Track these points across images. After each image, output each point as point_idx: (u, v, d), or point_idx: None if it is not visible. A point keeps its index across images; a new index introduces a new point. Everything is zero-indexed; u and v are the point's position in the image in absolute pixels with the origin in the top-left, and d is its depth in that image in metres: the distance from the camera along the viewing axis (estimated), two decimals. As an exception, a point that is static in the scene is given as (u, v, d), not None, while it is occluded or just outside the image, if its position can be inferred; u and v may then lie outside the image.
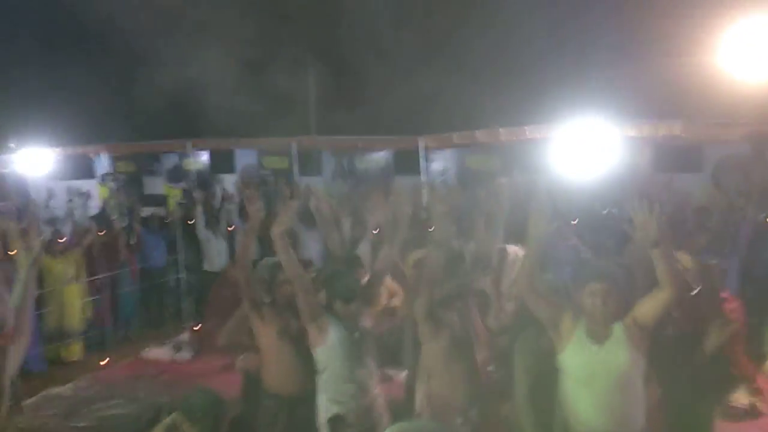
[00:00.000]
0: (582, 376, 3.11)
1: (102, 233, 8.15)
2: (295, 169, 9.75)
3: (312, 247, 7.60)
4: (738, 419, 4.93)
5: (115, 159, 11.95)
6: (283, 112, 12.13)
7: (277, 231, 3.59)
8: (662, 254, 2.99)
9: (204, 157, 11.38)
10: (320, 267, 4.65)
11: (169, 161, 11.97)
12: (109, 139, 11.56)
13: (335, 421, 3.38)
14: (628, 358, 3.06)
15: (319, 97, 14.36)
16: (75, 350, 7.55)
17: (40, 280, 6.73)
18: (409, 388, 4.21)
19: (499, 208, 4.71)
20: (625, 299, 3.14)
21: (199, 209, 8.65)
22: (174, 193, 11.12)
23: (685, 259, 4.77)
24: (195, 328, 8.11)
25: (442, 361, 3.63)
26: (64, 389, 6.51)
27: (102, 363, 7.32)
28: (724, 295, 4.90)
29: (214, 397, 3.41)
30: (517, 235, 4.69)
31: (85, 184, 10.50)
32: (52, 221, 8.94)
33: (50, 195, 9.82)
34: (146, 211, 9.41)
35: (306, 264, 4.30)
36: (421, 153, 8.97)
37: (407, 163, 9.73)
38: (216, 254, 8.60)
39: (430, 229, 5.33)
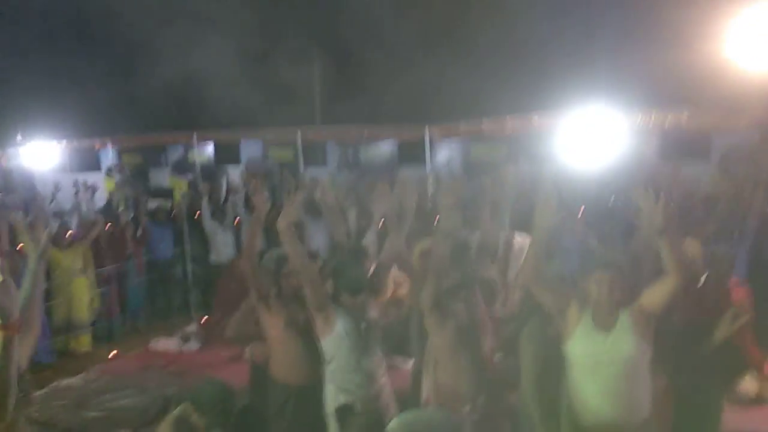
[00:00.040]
0: (588, 364, 3.12)
1: (109, 226, 8.18)
2: (300, 159, 9.75)
3: (318, 238, 7.61)
4: (746, 406, 4.92)
5: (121, 151, 11.99)
6: (289, 103, 12.12)
7: (283, 223, 3.59)
8: (668, 242, 2.97)
9: (209, 148, 11.41)
10: (326, 258, 4.64)
11: (175, 153, 12.00)
12: (115, 131, 11.59)
13: (343, 410, 3.39)
14: (634, 346, 3.06)
15: (324, 88, 14.35)
16: (84, 342, 7.60)
17: (48, 273, 6.77)
18: (416, 378, 4.22)
19: (504, 196, 4.70)
20: (631, 288, 3.13)
21: (204, 201, 8.66)
22: (180, 185, 11.15)
23: (692, 247, 4.76)
24: (202, 320, 8.14)
25: (449, 351, 3.63)
26: (73, 381, 6.55)
27: (110, 354, 7.36)
28: (731, 282, 4.89)
29: (223, 387, 3.42)
30: (524, 224, 4.68)
31: (91, 177, 10.54)
32: (59, 214, 8.99)
33: (57, 188, 9.85)
34: (152, 203, 9.44)
35: (312, 255, 4.30)
36: (427, 143, 8.94)
37: (412, 153, 9.72)
38: (222, 246, 8.61)
39: (435, 219, 5.34)
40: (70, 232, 7.65)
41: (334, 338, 3.66)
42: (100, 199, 10.12)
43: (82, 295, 7.54)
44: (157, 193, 11.14)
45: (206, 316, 8.14)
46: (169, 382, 6.28)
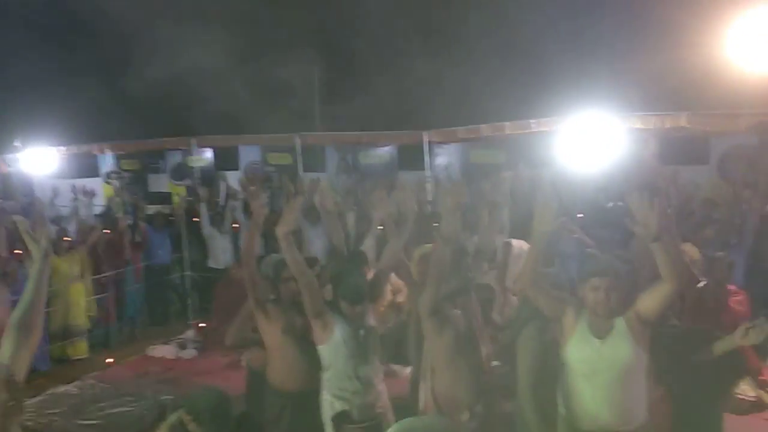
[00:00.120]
0: (585, 370, 3.11)
1: (107, 231, 8.16)
2: (299, 165, 9.73)
3: (316, 243, 7.60)
4: (745, 412, 4.90)
5: (119, 157, 11.95)
6: (287, 108, 12.12)
7: (282, 231, 3.57)
8: (663, 248, 2.96)
9: (208, 154, 11.37)
10: (325, 263, 4.63)
11: (173, 159, 11.97)
12: (114, 137, 11.57)
13: (340, 417, 3.37)
14: (631, 352, 3.05)
15: (323, 93, 14.35)
16: (80, 348, 7.57)
17: (46, 279, 6.73)
18: (414, 384, 4.20)
19: (502, 200, 4.69)
20: (628, 293, 3.12)
21: (203, 206, 8.65)
22: (178, 191, 11.13)
23: (691, 251, 4.75)
24: (200, 326, 8.11)
25: (447, 357, 3.61)
26: (69, 387, 6.52)
27: (107, 361, 7.33)
28: (730, 287, 4.88)
29: (220, 395, 3.40)
30: (522, 230, 4.67)
31: (89, 183, 10.50)
32: (57, 220, 8.96)
33: (55, 193, 9.83)
34: (151, 209, 9.41)
35: (312, 262, 4.29)
36: (426, 148, 8.93)
37: (411, 158, 9.69)
38: (221, 251, 8.61)
39: (434, 224, 5.33)
40: (67, 237, 7.63)
41: (331, 345, 3.65)
42: (99, 204, 10.09)
43: (80, 302, 7.52)
44: (156, 198, 11.11)
45: (204, 323, 8.12)
46: (166, 389, 6.25)
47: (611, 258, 3.27)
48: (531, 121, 7.92)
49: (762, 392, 5.15)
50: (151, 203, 10.23)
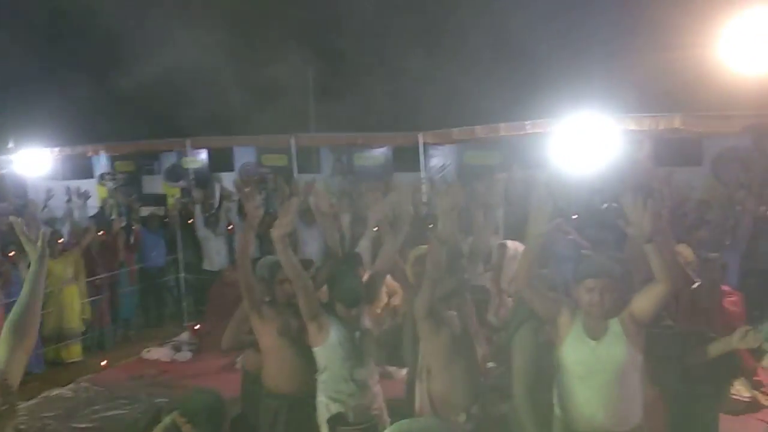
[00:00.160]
0: (580, 371, 3.11)
1: (101, 233, 8.13)
2: (294, 166, 9.73)
3: (311, 244, 7.59)
4: (739, 412, 4.91)
5: (113, 158, 11.92)
6: (282, 109, 12.09)
7: (277, 234, 3.56)
8: (656, 249, 2.97)
9: (202, 155, 11.35)
10: (319, 264, 4.62)
11: (168, 160, 11.94)
12: (108, 138, 11.54)
13: (335, 419, 3.37)
14: (626, 352, 3.06)
15: (318, 94, 14.34)
16: (74, 351, 7.53)
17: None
18: (410, 386, 4.20)
19: (496, 201, 4.70)
20: (623, 295, 3.12)
21: (198, 208, 8.63)
22: (173, 192, 11.11)
23: (686, 252, 4.76)
24: (195, 328, 8.09)
25: (443, 359, 3.61)
26: (64, 390, 6.48)
27: (102, 364, 7.30)
28: (724, 288, 4.90)
29: (213, 396, 3.39)
30: (517, 231, 4.67)
31: (83, 184, 10.47)
32: (51, 221, 8.92)
33: (49, 195, 9.78)
34: (145, 211, 9.39)
35: (306, 264, 4.28)
36: (421, 149, 8.95)
37: (406, 159, 9.71)
38: (215, 253, 8.59)
39: (429, 226, 5.33)
40: (61, 239, 7.60)
41: (327, 347, 3.64)
42: (93, 206, 10.06)
43: (73, 304, 7.49)
44: (150, 200, 11.09)
45: (199, 325, 8.10)
46: (161, 392, 6.22)
47: (606, 259, 3.28)
48: (525, 122, 7.94)
49: (757, 393, 5.17)
50: (146, 205, 10.20)
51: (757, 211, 6.53)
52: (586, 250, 5.51)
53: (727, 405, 4.53)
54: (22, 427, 5.38)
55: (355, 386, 3.63)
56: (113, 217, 9.00)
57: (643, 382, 3.16)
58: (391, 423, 2.60)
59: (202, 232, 8.58)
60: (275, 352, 3.91)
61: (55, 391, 6.44)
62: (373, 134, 10.01)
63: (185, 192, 10.18)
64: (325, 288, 3.98)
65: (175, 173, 11.74)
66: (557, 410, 3.25)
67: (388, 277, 4.64)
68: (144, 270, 8.58)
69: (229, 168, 11.27)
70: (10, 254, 6.77)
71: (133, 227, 8.52)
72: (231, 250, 8.39)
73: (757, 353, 4.88)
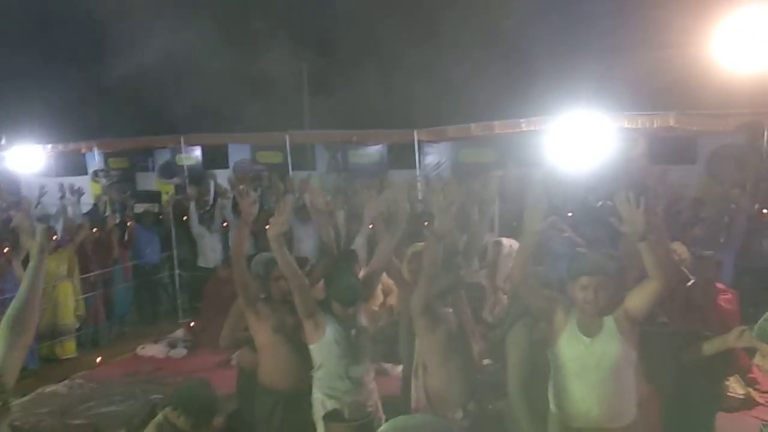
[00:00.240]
0: (575, 368, 3.12)
1: (95, 230, 8.10)
2: (289, 163, 9.72)
3: (306, 241, 7.58)
4: (734, 409, 4.94)
5: (107, 155, 11.90)
6: (276, 104, 12.09)
7: (273, 233, 3.56)
8: (649, 247, 2.98)
9: (197, 152, 11.33)
10: (315, 262, 4.62)
11: (162, 157, 11.91)
12: (100, 134, 11.50)
13: (331, 416, 3.36)
14: (620, 349, 3.07)
15: (313, 92, 14.33)
16: (69, 348, 7.51)
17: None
18: (406, 382, 4.20)
19: (490, 199, 4.70)
20: (617, 292, 3.13)
21: (192, 205, 8.61)
22: (167, 189, 11.08)
23: (680, 250, 4.78)
24: (190, 325, 8.08)
25: (439, 355, 3.62)
26: (58, 387, 6.47)
27: (96, 360, 7.28)
28: (719, 285, 4.92)
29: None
30: (512, 228, 4.68)
31: (77, 181, 10.43)
32: (44, 218, 8.88)
33: (42, 192, 9.75)
34: (139, 208, 9.36)
35: (302, 262, 4.27)
36: (416, 146, 8.95)
37: (401, 156, 9.72)
38: (210, 250, 8.57)
39: (425, 223, 5.33)
40: (55, 236, 7.56)
41: (323, 345, 3.64)
42: (86, 203, 10.02)
43: (67, 301, 7.45)
44: (144, 197, 11.06)
45: (193, 322, 8.09)
46: (156, 389, 6.21)
47: (600, 257, 3.29)
48: (521, 120, 7.96)
49: (751, 390, 5.20)
50: (140, 202, 10.17)
51: (752, 209, 6.56)
52: (581, 248, 5.53)
53: (722, 402, 4.56)
54: (16, 423, 5.36)
55: (351, 383, 3.64)
56: (107, 213, 8.96)
57: (638, 379, 3.18)
58: (387, 420, 2.60)
59: (197, 229, 8.56)
60: (271, 349, 3.90)
61: (50, 388, 6.42)
62: (368, 131, 10.01)
63: (179, 189, 10.16)
64: (321, 285, 3.98)
65: (170, 170, 11.71)
66: (552, 406, 3.26)
67: (384, 275, 4.64)
68: (138, 267, 8.55)
69: (224, 165, 11.26)
70: (5, 251, 6.72)
71: (128, 224, 8.48)
72: (226, 247, 8.38)
73: (751, 351, 4.89)
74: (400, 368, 4.83)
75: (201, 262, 8.62)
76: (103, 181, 11.37)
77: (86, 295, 7.75)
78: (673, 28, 8.75)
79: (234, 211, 8.27)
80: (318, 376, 3.68)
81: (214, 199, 8.96)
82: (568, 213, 6.83)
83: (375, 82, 11.42)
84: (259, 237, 7.48)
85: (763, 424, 2.65)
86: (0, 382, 2.20)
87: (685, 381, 3.45)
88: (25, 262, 6.07)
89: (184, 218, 8.74)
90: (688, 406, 3.50)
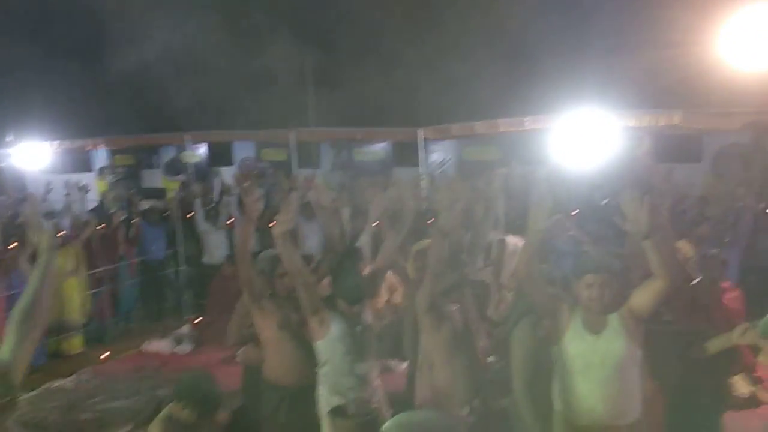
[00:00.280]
0: (579, 366, 3.13)
1: (101, 227, 8.14)
2: (294, 161, 9.74)
3: (311, 238, 7.61)
4: (738, 408, 4.93)
5: (113, 152, 11.94)
6: (281, 104, 12.10)
7: (278, 231, 3.58)
8: (654, 246, 2.98)
9: (202, 149, 11.36)
10: (320, 258, 4.63)
11: (167, 154, 11.95)
12: (107, 132, 11.54)
13: (335, 412, 3.38)
14: (625, 347, 3.07)
15: (317, 89, 14.33)
16: (76, 343, 7.55)
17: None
18: (410, 379, 4.22)
19: (495, 197, 4.70)
20: (622, 290, 3.14)
21: (197, 202, 8.65)
22: (172, 187, 11.12)
23: (686, 248, 4.78)
24: (195, 321, 8.12)
25: (445, 352, 3.63)
26: (65, 382, 6.51)
27: (103, 356, 7.32)
28: (725, 284, 4.92)
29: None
30: (517, 227, 4.68)
31: (83, 178, 10.47)
32: (51, 215, 8.92)
33: (48, 188, 9.79)
34: (145, 204, 9.40)
35: (307, 260, 4.29)
36: (420, 144, 8.95)
37: (406, 154, 9.72)
38: (215, 247, 8.61)
39: (429, 221, 5.34)
40: (61, 232, 7.60)
41: (328, 341, 3.66)
42: (92, 200, 10.07)
43: (74, 297, 7.50)
44: (150, 194, 11.09)
45: (199, 318, 8.12)
46: (162, 384, 6.25)
47: (605, 255, 3.30)
48: (525, 118, 7.94)
49: (756, 388, 5.19)
50: (146, 198, 10.21)
51: (757, 207, 6.55)
52: (586, 246, 5.53)
53: (728, 401, 4.56)
54: (24, 418, 5.40)
55: (356, 380, 3.65)
56: (113, 210, 9.00)
57: (643, 377, 3.18)
58: (392, 416, 2.62)
59: (203, 226, 8.60)
60: (276, 345, 3.93)
61: (57, 383, 6.47)
62: (372, 129, 10.01)
63: (185, 186, 10.20)
64: (326, 282, 3.99)
65: (175, 167, 11.75)
66: (557, 404, 3.27)
67: (389, 273, 4.66)
68: (144, 263, 8.59)
69: (229, 162, 11.30)
70: (11, 246, 6.76)
71: (133, 221, 8.52)
72: (231, 243, 8.41)
73: (756, 349, 4.89)
74: (404, 365, 4.85)
75: (206, 259, 8.66)
76: (109, 178, 11.42)
77: (92, 292, 7.80)
78: (679, 26, 8.72)
79: (239, 208, 8.30)
80: (323, 373, 3.70)
81: (219, 197, 8.99)
82: (573, 211, 6.83)
83: (379, 79, 11.41)
84: (263, 234, 7.50)
85: None
86: (8, 378, 2.17)
87: (689, 379, 3.45)
88: (32, 258, 6.12)
89: (190, 215, 8.78)
90: (692, 404, 3.51)
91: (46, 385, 6.37)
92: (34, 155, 10.89)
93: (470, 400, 3.56)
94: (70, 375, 6.69)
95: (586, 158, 7.39)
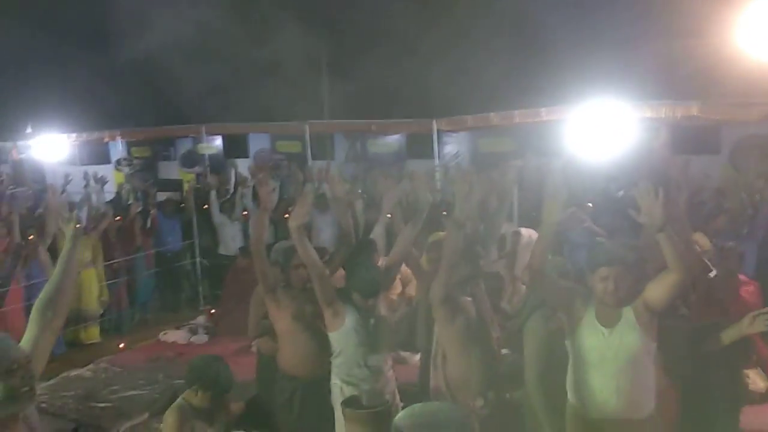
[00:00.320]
0: (593, 358, 3.11)
1: (118, 218, 8.22)
2: (308, 153, 9.75)
3: (325, 230, 7.63)
4: (755, 403, 4.89)
5: (130, 144, 12.03)
6: (296, 96, 12.11)
7: (293, 224, 3.60)
8: (668, 238, 2.94)
9: (217, 141, 11.41)
10: (334, 250, 4.65)
11: (184, 146, 12.02)
12: (125, 124, 11.63)
13: (349, 402, 3.41)
14: (638, 341, 3.05)
15: (331, 80, 14.33)
16: (93, 333, 7.66)
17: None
18: (423, 371, 4.23)
19: (509, 189, 4.69)
20: (637, 283, 3.11)
21: (213, 194, 8.71)
22: (188, 178, 11.19)
23: (702, 241, 4.74)
24: (211, 312, 8.19)
25: (459, 344, 3.63)
26: (83, 371, 6.61)
27: (120, 346, 7.41)
28: (741, 277, 4.87)
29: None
30: (532, 218, 4.67)
31: (100, 169, 10.57)
32: (69, 206, 9.02)
33: (67, 180, 9.90)
34: (161, 196, 9.48)
35: (321, 252, 4.32)
36: (435, 136, 8.92)
37: (420, 146, 9.68)
38: (231, 238, 8.67)
39: (443, 213, 5.33)
40: (79, 224, 7.68)
41: (342, 333, 3.68)
42: (110, 191, 10.17)
43: (92, 287, 7.59)
44: (166, 185, 11.18)
45: (214, 309, 8.19)
46: (178, 374, 6.31)
47: (620, 247, 3.26)
48: (540, 109, 7.88)
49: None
50: (162, 190, 10.29)
51: (775, 200, 6.46)
52: (601, 238, 5.50)
53: (743, 395, 4.53)
54: (42, 405, 5.49)
55: (369, 371, 3.68)
56: (130, 202, 9.08)
57: (657, 371, 3.16)
58: (404, 407, 2.63)
59: (218, 217, 8.66)
60: (290, 336, 3.96)
61: (75, 372, 6.57)
62: (387, 121, 9.99)
63: (200, 178, 10.26)
64: (339, 273, 4.01)
65: (191, 159, 11.81)
66: (570, 397, 3.26)
67: (403, 266, 4.67)
68: (160, 254, 8.67)
69: (244, 154, 11.33)
70: (30, 237, 6.86)
71: (150, 212, 8.60)
72: (246, 235, 8.46)
73: (771, 342, 4.85)
74: (418, 357, 4.86)
75: (222, 250, 8.73)
76: (126, 169, 11.52)
77: (110, 282, 7.90)
78: (697, 15, 8.60)
79: (254, 200, 8.34)
80: (336, 363, 3.72)
81: (235, 188, 9.04)
82: (588, 203, 6.78)
83: (393, 71, 11.38)
84: (278, 225, 7.54)
85: None
86: (28, 368, 2.17)
87: (703, 373, 3.43)
88: (51, 248, 6.18)
89: (205, 207, 8.84)
90: (707, 399, 3.49)
91: (64, 374, 6.47)
92: (53, 147, 11.02)
93: (484, 392, 3.57)
94: (88, 364, 6.78)
95: (602, 150, 7.33)
